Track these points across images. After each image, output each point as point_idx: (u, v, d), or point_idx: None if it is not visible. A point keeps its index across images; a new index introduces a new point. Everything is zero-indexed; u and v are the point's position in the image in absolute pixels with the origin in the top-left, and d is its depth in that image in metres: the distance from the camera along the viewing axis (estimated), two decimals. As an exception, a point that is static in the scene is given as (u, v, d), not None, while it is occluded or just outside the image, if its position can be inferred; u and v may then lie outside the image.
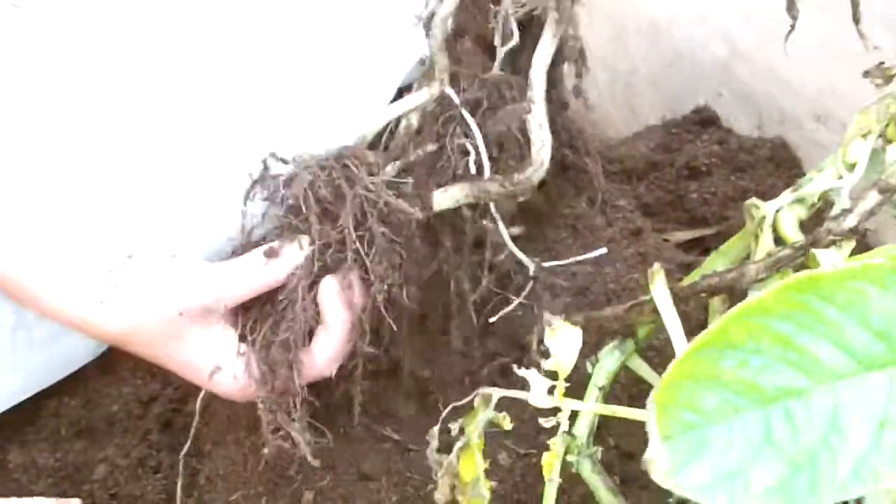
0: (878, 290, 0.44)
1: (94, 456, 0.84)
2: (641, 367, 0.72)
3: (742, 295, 0.65)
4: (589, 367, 0.70)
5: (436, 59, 0.72)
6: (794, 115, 1.14)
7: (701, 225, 1.08)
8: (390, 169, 0.70)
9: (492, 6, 0.72)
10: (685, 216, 1.10)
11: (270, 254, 0.65)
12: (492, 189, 0.69)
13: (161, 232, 0.67)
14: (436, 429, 0.62)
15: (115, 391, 0.88)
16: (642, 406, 0.76)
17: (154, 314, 0.63)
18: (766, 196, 1.08)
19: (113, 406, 0.87)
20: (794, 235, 0.64)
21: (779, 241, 0.65)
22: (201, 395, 0.72)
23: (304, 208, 0.65)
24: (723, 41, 1.20)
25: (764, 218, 0.65)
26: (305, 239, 0.66)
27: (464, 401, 0.62)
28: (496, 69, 0.73)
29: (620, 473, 0.76)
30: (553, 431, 0.60)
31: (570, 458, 0.65)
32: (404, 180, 0.70)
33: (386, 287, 0.66)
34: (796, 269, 0.63)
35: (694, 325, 0.70)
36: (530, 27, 0.73)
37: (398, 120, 0.73)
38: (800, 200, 0.65)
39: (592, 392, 0.69)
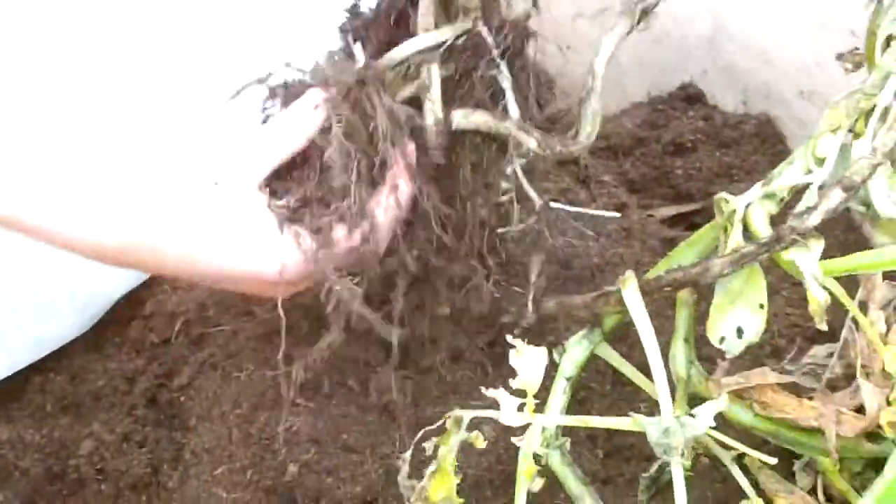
0: None
1: (80, 431, 0.84)
2: (612, 356, 0.72)
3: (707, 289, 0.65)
4: (556, 357, 0.71)
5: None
6: (779, 91, 1.14)
7: (686, 200, 1.09)
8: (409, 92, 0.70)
9: None
10: (670, 192, 1.10)
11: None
12: (529, 144, 0.68)
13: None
14: (408, 454, 0.62)
15: (101, 367, 0.88)
16: (623, 388, 0.77)
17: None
18: (752, 172, 1.10)
19: (98, 381, 0.87)
20: (764, 230, 0.63)
21: (749, 235, 0.64)
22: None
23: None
24: (709, 18, 1.20)
25: (734, 212, 0.64)
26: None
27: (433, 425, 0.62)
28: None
29: (604, 447, 0.77)
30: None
31: (539, 450, 0.63)
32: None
33: (426, 195, 0.67)
34: (762, 266, 0.63)
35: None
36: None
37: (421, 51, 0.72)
38: (769, 196, 0.65)
39: (560, 384, 0.69)
